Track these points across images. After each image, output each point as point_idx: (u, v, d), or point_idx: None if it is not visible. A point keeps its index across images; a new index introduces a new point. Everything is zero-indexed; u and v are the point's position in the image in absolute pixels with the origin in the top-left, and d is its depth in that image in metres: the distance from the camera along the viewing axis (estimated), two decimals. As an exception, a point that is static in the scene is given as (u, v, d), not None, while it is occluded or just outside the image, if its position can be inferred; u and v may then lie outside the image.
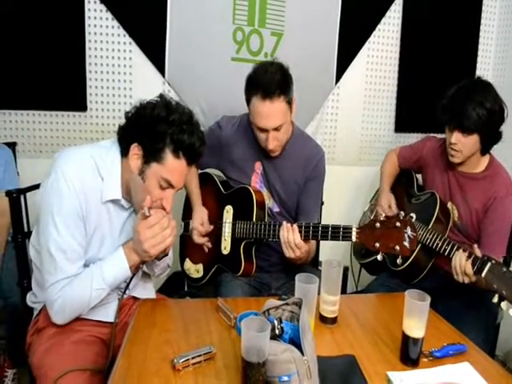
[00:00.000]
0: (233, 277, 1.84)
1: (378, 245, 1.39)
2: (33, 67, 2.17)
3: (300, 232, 1.57)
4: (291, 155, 1.85)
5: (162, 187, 1.32)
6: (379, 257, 1.43)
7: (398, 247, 1.36)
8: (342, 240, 1.52)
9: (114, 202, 1.39)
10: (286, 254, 1.60)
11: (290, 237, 1.57)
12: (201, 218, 1.88)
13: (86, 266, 1.37)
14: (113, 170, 1.36)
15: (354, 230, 1.47)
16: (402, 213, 1.36)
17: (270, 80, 1.63)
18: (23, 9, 2.11)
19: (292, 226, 1.58)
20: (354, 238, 1.47)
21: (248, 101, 1.72)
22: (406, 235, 1.35)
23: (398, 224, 1.36)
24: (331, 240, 1.55)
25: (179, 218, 2.09)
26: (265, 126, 1.68)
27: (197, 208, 1.91)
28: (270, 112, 1.65)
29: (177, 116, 1.29)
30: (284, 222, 1.61)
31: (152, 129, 1.29)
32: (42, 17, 2.14)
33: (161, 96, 1.35)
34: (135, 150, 1.31)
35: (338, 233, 1.52)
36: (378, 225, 1.39)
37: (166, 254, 1.43)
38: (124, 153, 1.35)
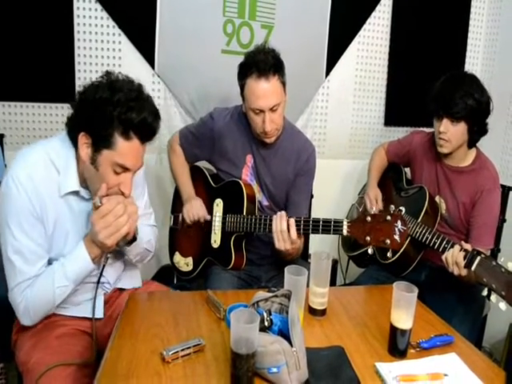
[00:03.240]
0: (223, 270, 1.84)
1: (368, 238, 1.40)
2: (21, 58, 2.13)
3: None
4: (282, 149, 1.85)
5: (117, 172, 1.27)
6: (370, 250, 1.44)
7: (388, 241, 1.37)
8: (333, 233, 1.52)
9: (74, 193, 1.34)
10: (277, 245, 1.57)
11: (284, 226, 1.54)
12: (202, 208, 1.85)
13: (51, 263, 1.33)
14: (68, 163, 1.32)
15: (345, 223, 1.47)
16: (393, 206, 1.37)
17: (264, 59, 1.64)
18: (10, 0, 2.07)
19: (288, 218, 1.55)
20: (345, 232, 1.48)
21: (242, 86, 1.72)
22: (396, 229, 1.36)
23: (388, 218, 1.37)
24: (322, 233, 1.55)
25: (168, 211, 2.08)
26: (262, 106, 1.67)
27: (193, 200, 1.87)
28: (266, 90, 1.65)
29: (121, 95, 1.21)
30: (279, 212, 1.59)
31: (96, 114, 1.22)
32: (30, 8, 2.09)
33: (106, 73, 1.28)
34: (83, 140, 1.26)
35: (329, 226, 1.52)
36: (368, 219, 1.40)
37: (133, 240, 1.37)
38: (75, 144, 1.29)
